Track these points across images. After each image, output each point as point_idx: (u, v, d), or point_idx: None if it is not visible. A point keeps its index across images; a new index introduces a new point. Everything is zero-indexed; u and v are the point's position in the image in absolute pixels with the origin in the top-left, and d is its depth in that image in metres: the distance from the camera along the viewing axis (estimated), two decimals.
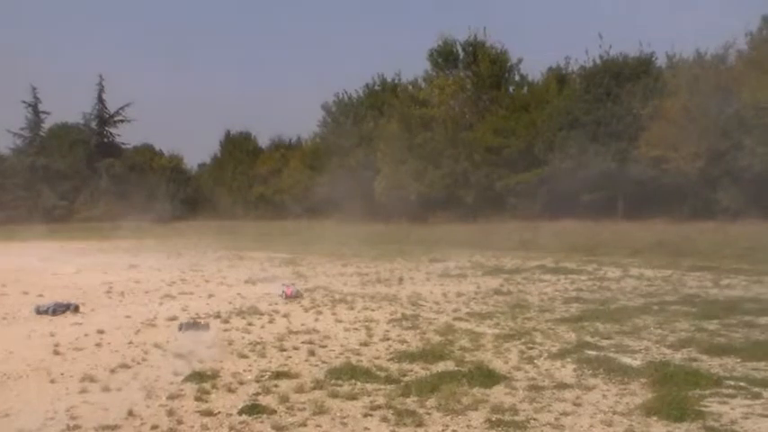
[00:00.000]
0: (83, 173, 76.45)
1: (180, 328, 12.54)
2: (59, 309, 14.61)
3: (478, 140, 47.14)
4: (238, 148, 75.70)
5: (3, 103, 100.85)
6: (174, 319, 13.66)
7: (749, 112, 32.86)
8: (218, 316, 13.93)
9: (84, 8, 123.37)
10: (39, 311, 14.56)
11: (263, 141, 76.80)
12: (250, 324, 13.04)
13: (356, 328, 12.53)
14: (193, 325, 12.73)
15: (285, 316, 13.92)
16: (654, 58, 42.46)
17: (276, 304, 15.50)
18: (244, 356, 10.34)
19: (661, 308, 14.20)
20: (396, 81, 59.73)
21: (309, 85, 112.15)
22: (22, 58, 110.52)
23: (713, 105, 34.83)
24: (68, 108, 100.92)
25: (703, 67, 38.07)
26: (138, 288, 19.12)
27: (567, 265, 23.30)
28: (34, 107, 79.98)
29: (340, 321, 13.28)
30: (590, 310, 14.02)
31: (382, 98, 57.73)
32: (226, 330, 12.47)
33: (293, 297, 16.26)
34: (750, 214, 31.67)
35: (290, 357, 10.28)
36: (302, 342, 11.26)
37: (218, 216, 65.06)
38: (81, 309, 15.03)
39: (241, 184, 70.90)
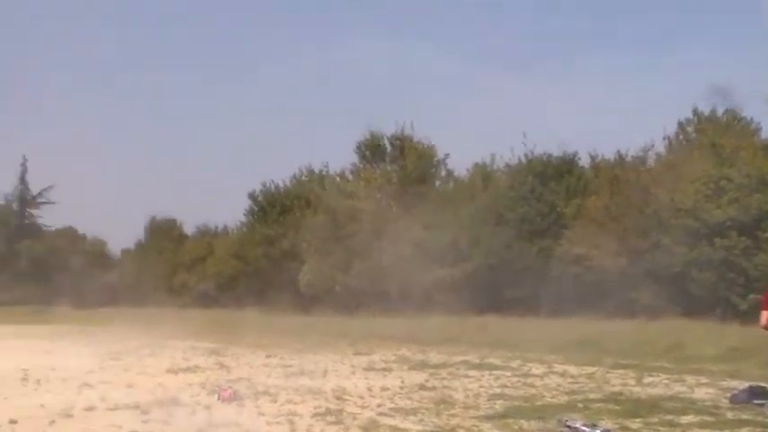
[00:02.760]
0: (2, 254, 74.94)
1: None
2: None
3: (406, 234, 47.42)
4: (163, 234, 75.05)
5: None
6: (91, 409, 13.30)
7: (666, 213, 33.75)
8: (137, 406, 13.60)
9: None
10: None
11: (189, 228, 76.39)
12: (170, 415, 12.75)
13: (279, 422, 12.31)
14: None
15: (207, 408, 13.66)
16: (577, 158, 43.44)
17: (198, 395, 15.20)
18: None
19: (585, 405, 14.26)
20: (323, 172, 60.10)
21: (236, 172, 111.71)
22: None
23: (633, 205, 35.73)
24: None
25: (624, 168, 39.17)
26: (54, 375, 18.59)
27: (492, 361, 23.35)
28: None
29: (263, 415, 13.05)
30: (514, 407, 14.02)
31: (309, 188, 57.97)
32: (144, 422, 12.17)
33: (230, 400, 14.66)
34: (669, 312, 32.22)
35: None
36: None
37: (140, 303, 63.95)
38: None
39: (165, 271, 70.00)
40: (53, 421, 12.22)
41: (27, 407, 13.61)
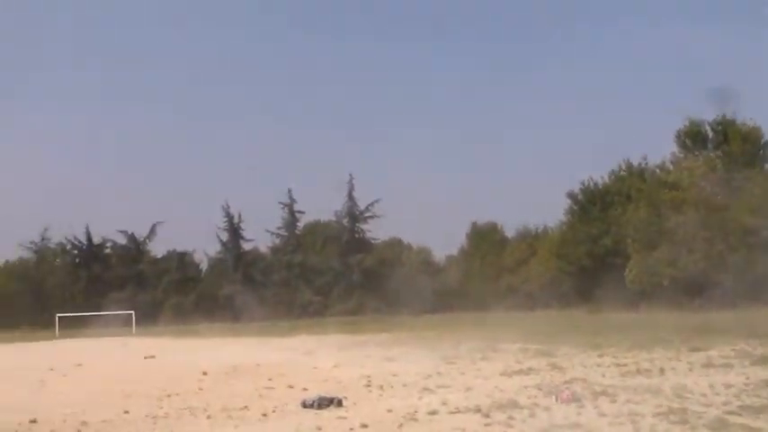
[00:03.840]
0: (336, 268, 79.38)
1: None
2: (324, 402, 15.00)
3: (734, 222, 45.03)
4: (485, 238, 76.36)
5: (263, 205, 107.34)
6: (434, 413, 13.70)
7: None
8: (478, 409, 13.84)
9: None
10: (305, 405, 15.03)
11: (510, 231, 77.25)
12: (511, 418, 12.86)
13: (621, 422, 12.03)
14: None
15: (546, 409, 13.63)
16: None
17: (535, 397, 15.21)
18: None
19: None
20: (642, 165, 58.49)
21: (552, 173, 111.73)
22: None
23: None
24: (321, 206, 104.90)
25: None
26: (395, 381, 19.33)
27: None
28: (290, 207, 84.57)
29: (603, 415, 12.81)
30: None
31: (629, 183, 56.63)
32: (487, 425, 12.36)
33: (568, 401, 14.46)
34: None
35: None
36: None
37: (467, 307, 65.34)
38: (344, 402, 15.36)
39: (489, 275, 71.10)
40: (401, 425, 12.73)
41: (375, 412, 14.26)
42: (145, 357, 32.77)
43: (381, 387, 18.21)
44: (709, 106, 56.49)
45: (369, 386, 18.55)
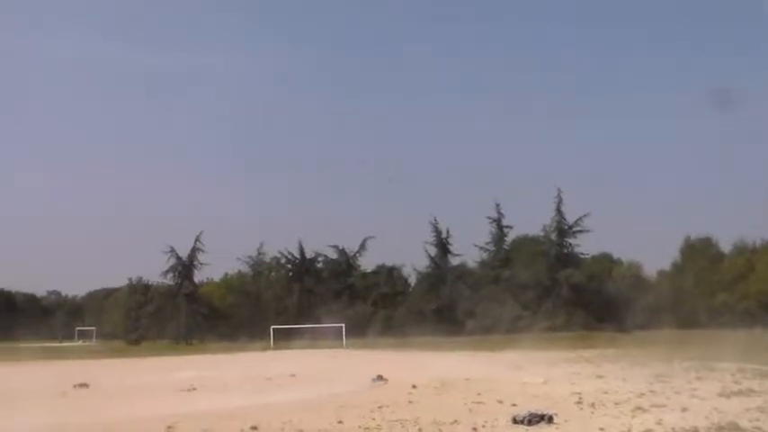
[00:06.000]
0: (544, 283, 78.70)
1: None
2: (534, 419, 15.05)
3: None
4: (699, 253, 73.75)
5: (471, 220, 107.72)
6: None
7: None
8: (695, 431, 13.55)
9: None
10: (515, 421, 15.15)
11: (726, 246, 74.29)
12: None
13: None
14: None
15: None
16: None
17: (757, 420, 14.69)
18: None
19: None
20: None
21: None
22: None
23: None
24: (528, 221, 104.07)
25: None
26: (606, 399, 19.07)
27: None
28: (498, 222, 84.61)
29: None
30: None
31: None
32: None
33: None
34: None
35: None
36: None
37: (679, 324, 63.28)
38: (555, 419, 15.35)
39: (703, 291, 68.59)
40: None
41: (587, 430, 14.18)
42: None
43: (593, 405, 18.00)
44: None
45: (579, 403, 18.37)
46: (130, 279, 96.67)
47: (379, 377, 27.04)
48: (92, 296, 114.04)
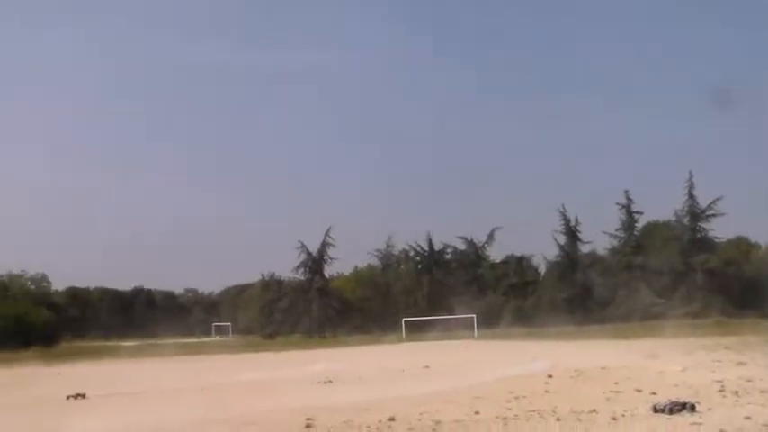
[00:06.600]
0: (677, 269, 76.86)
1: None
2: (676, 407, 14.72)
3: None
4: None
5: (600, 208, 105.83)
6: None
7: None
8: None
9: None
10: (656, 409, 14.87)
11: None
12: None
13: None
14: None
15: None
16: None
17: None
18: None
19: None
20: None
21: None
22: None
23: None
24: (660, 206, 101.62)
25: None
26: (751, 387, 18.51)
27: None
28: (627, 208, 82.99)
29: None
30: None
31: None
32: None
33: None
34: None
35: None
36: None
37: None
38: (697, 408, 14.98)
39: None
40: None
41: (733, 418, 13.76)
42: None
43: (736, 393, 17.50)
44: None
45: (722, 391, 17.88)
46: (263, 275, 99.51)
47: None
48: (227, 292, 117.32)
